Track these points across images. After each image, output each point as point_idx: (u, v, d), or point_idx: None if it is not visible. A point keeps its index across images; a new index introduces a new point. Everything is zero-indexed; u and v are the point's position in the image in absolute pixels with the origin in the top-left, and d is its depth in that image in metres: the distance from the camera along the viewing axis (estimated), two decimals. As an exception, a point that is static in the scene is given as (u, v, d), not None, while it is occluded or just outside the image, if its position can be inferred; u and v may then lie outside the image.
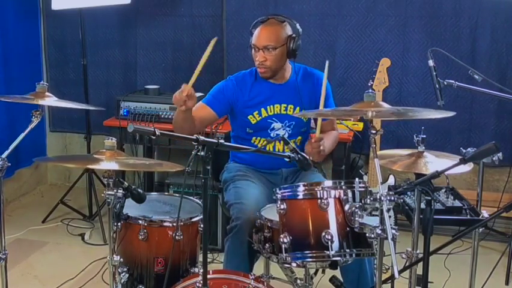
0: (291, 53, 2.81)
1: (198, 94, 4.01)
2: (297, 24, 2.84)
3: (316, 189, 2.16)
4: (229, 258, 2.62)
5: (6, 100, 2.47)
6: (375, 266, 2.15)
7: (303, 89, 2.89)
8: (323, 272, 2.41)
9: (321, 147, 2.68)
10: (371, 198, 1.96)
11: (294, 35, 2.81)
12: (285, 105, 2.90)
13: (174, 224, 2.36)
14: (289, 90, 2.90)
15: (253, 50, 2.82)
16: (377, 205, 1.94)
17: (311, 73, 2.97)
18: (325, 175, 3.05)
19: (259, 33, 2.79)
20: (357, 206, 2.06)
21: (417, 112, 2.12)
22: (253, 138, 2.92)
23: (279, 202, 2.20)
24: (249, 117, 2.89)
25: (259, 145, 2.88)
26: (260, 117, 2.89)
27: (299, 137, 2.96)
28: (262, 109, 2.88)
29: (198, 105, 2.93)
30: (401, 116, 2.22)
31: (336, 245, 2.09)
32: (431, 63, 2.79)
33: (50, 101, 2.46)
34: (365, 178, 3.75)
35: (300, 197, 2.20)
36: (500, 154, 2.53)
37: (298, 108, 2.90)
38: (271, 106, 2.89)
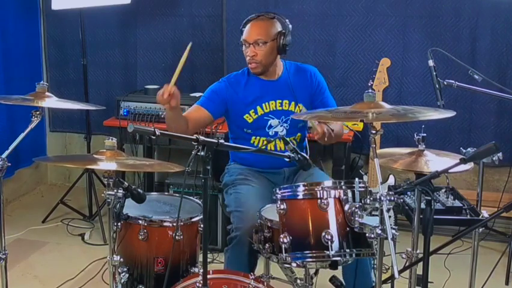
0: (282, 49, 2.82)
1: (198, 94, 4.05)
2: (287, 21, 2.86)
3: (316, 189, 2.16)
4: (229, 268, 2.61)
5: (7, 103, 2.46)
6: (375, 265, 2.15)
7: (295, 84, 2.90)
8: (316, 273, 2.41)
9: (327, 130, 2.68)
10: (371, 198, 1.97)
11: (283, 31, 2.83)
12: (280, 100, 2.90)
13: (174, 224, 2.36)
14: (282, 85, 2.91)
15: (243, 46, 2.84)
16: (377, 205, 1.94)
17: (303, 68, 2.99)
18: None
19: (250, 29, 2.82)
20: (357, 206, 2.06)
21: (418, 114, 2.11)
22: (253, 138, 2.92)
23: (279, 202, 2.20)
24: (245, 116, 2.89)
25: (259, 145, 2.88)
26: (256, 116, 2.89)
27: (298, 134, 2.96)
28: (258, 107, 2.88)
29: (192, 107, 2.93)
30: (401, 118, 2.21)
31: (336, 245, 2.08)
32: (431, 63, 2.79)
33: (50, 101, 2.46)
34: (365, 178, 3.75)
35: (300, 197, 2.20)
36: (500, 154, 2.53)
37: (293, 102, 2.90)
38: (267, 103, 2.89)
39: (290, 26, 2.85)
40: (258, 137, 2.91)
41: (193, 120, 2.81)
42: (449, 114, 2.15)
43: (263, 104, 2.88)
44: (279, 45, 2.81)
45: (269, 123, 2.90)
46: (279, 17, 2.87)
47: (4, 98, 2.52)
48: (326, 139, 2.66)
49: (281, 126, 2.90)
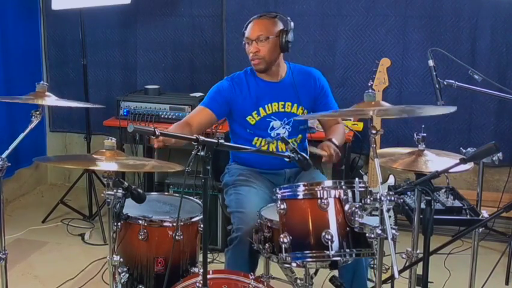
0: (284, 46, 2.82)
1: (198, 94, 4.06)
2: (289, 19, 2.85)
3: (316, 189, 2.16)
4: (230, 269, 2.60)
5: (7, 101, 2.46)
6: (375, 266, 2.15)
7: (299, 86, 2.89)
8: (316, 273, 2.41)
9: (334, 150, 2.70)
10: (371, 198, 1.97)
11: (285, 29, 2.84)
12: (283, 102, 2.89)
13: (174, 224, 2.35)
14: (285, 87, 2.90)
15: (246, 45, 2.84)
16: (377, 205, 1.94)
17: (307, 71, 2.99)
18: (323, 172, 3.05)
19: (252, 26, 2.83)
20: (357, 206, 2.06)
21: (420, 109, 2.11)
22: (255, 139, 2.91)
23: (279, 202, 2.20)
24: (247, 118, 2.88)
25: (261, 145, 2.87)
26: (259, 117, 2.88)
27: (299, 136, 2.96)
28: (261, 108, 2.88)
29: (196, 109, 2.93)
30: (406, 113, 2.21)
31: (336, 245, 2.08)
32: (431, 63, 2.79)
33: (50, 100, 2.45)
34: (365, 178, 3.74)
35: (300, 196, 2.19)
36: (500, 154, 2.53)
37: (295, 105, 2.90)
38: (269, 105, 2.88)
39: (292, 23, 2.84)
40: (260, 138, 2.90)
41: (197, 123, 2.80)
42: (450, 109, 2.15)
43: (266, 106, 2.88)
44: (282, 42, 2.81)
45: (271, 124, 2.89)
46: (281, 16, 2.88)
47: (5, 98, 2.52)
48: (334, 159, 2.67)
49: (283, 128, 2.90)
